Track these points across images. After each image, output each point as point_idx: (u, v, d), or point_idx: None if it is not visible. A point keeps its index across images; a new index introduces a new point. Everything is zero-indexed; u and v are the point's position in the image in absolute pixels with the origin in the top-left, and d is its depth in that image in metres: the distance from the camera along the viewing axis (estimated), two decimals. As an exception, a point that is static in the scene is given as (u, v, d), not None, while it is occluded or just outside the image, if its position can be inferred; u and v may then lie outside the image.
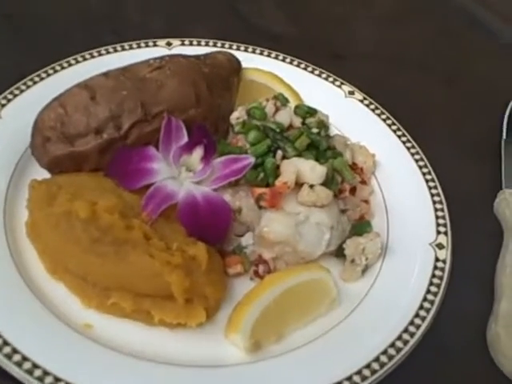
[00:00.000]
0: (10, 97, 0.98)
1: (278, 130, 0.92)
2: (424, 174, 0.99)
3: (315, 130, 0.95)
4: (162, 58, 0.94)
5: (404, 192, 0.97)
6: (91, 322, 0.78)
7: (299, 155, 0.89)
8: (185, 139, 0.88)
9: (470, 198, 1.01)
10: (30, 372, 0.70)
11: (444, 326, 0.85)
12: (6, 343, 0.72)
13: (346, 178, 0.91)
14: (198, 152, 0.87)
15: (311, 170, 0.86)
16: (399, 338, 0.79)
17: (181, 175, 0.86)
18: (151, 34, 1.14)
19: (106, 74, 0.90)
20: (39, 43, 1.13)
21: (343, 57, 1.25)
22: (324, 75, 1.12)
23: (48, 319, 0.77)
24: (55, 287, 0.81)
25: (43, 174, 0.89)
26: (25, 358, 0.71)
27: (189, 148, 0.87)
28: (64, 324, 0.77)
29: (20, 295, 0.79)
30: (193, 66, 0.94)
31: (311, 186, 0.85)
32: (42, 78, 1.02)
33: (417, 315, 0.82)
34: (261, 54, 1.14)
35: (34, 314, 0.77)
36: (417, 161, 1.00)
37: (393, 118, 1.06)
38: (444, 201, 0.95)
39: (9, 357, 0.71)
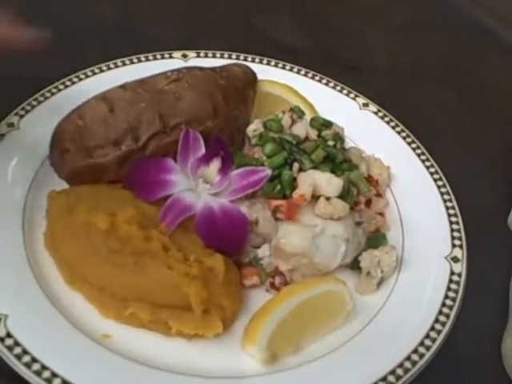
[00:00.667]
0: (28, 108, 0.99)
1: (294, 143, 0.93)
2: (439, 187, 0.99)
3: (331, 143, 0.95)
4: (179, 70, 0.95)
5: (419, 205, 0.97)
6: (109, 333, 0.78)
7: (316, 167, 0.89)
8: (202, 151, 0.88)
9: (484, 211, 1.02)
10: (49, 381, 0.70)
11: (459, 340, 0.85)
12: (25, 352, 0.72)
13: (362, 190, 0.92)
14: (216, 164, 0.87)
15: (328, 182, 0.87)
16: (415, 351, 0.79)
17: (198, 187, 0.87)
18: (166, 47, 1.15)
19: (123, 87, 0.91)
20: (53, 56, 1.13)
21: (358, 69, 1.26)
22: (338, 87, 1.13)
23: (66, 329, 0.77)
24: (73, 298, 0.81)
25: (62, 186, 0.90)
26: (44, 367, 0.71)
27: (206, 160, 0.88)
28: (82, 334, 0.77)
29: (38, 305, 0.79)
30: (209, 79, 0.95)
31: (328, 199, 0.86)
32: (59, 90, 1.03)
33: (432, 329, 0.82)
34: (275, 66, 1.15)
35: (52, 323, 0.78)
36: (432, 174, 1.01)
37: (407, 131, 1.07)
38: (459, 214, 0.95)
39: (28, 366, 0.71)
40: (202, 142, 0.89)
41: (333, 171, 0.90)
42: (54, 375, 0.71)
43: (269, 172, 0.87)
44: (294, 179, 0.88)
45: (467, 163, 1.10)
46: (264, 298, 0.84)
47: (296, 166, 0.89)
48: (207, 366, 0.78)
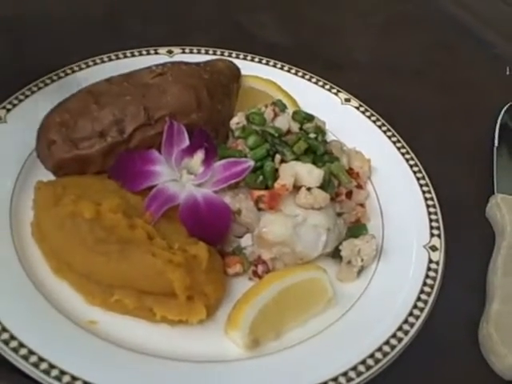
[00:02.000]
0: (15, 102, 1.01)
1: (276, 135, 0.95)
2: (418, 179, 1.01)
3: (313, 135, 0.97)
4: (163, 64, 0.97)
5: (399, 196, 1.00)
6: (95, 319, 0.80)
7: (297, 159, 0.92)
8: (186, 143, 0.90)
9: (463, 203, 1.04)
10: (36, 365, 0.72)
11: (437, 326, 0.87)
12: (13, 338, 0.74)
13: (343, 181, 0.94)
14: (199, 155, 0.89)
15: (309, 173, 0.89)
16: (393, 335, 0.81)
17: (182, 178, 0.89)
18: (152, 43, 1.17)
19: (109, 80, 0.93)
20: (41, 52, 1.15)
21: (340, 66, 1.27)
22: (321, 83, 1.15)
23: (53, 315, 0.79)
24: (60, 286, 0.83)
25: (48, 177, 0.91)
26: (31, 352, 0.73)
27: (190, 151, 0.90)
28: (69, 320, 0.79)
29: (26, 293, 0.81)
30: (194, 73, 0.97)
31: (309, 189, 0.88)
32: (46, 84, 1.05)
33: (411, 314, 0.84)
34: (259, 62, 1.17)
35: (39, 311, 0.79)
36: (411, 166, 1.03)
37: (388, 125, 1.09)
38: (437, 204, 0.98)
39: (16, 351, 0.73)
40: (186, 134, 0.91)
41: (314, 163, 0.92)
42: (41, 359, 0.73)
43: (251, 163, 0.89)
44: (276, 170, 0.90)
45: (447, 157, 1.12)
46: (247, 286, 0.86)
47: (278, 157, 0.91)
48: (191, 350, 0.79)
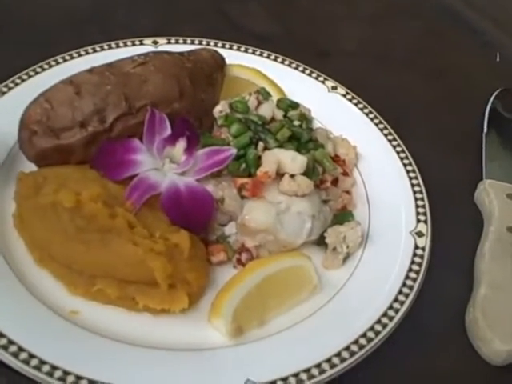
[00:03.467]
0: (-2, 94, 1.00)
1: (259, 123, 0.94)
2: (405, 166, 1.01)
3: (297, 123, 0.97)
4: (146, 54, 0.96)
5: (385, 183, 0.99)
6: (77, 309, 0.80)
7: (280, 146, 0.91)
8: (168, 131, 0.90)
9: (452, 189, 1.04)
10: (15, 355, 0.72)
11: (424, 312, 0.87)
12: (-8, 328, 0.74)
13: (327, 168, 0.93)
14: (181, 144, 0.89)
15: (292, 160, 0.88)
16: (378, 321, 0.81)
17: (164, 166, 0.88)
18: (138, 34, 1.17)
19: (90, 70, 0.92)
20: (26, 43, 1.15)
21: (328, 54, 1.27)
22: (307, 71, 1.15)
23: (35, 306, 0.79)
24: (42, 276, 0.82)
25: (31, 168, 0.91)
26: (11, 342, 0.73)
27: (172, 140, 0.89)
28: (50, 310, 0.79)
29: (7, 284, 0.81)
30: (176, 62, 0.96)
31: (292, 176, 0.87)
32: (29, 76, 1.04)
33: (396, 300, 0.83)
34: (245, 51, 1.17)
35: (21, 301, 0.79)
36: (398, 153, 1.03)
37: (375, 112, 1.08)
38: (424, 190, 0.97)
39: (-5, 341, 0.73)
40: (167, 123, 0.90)
41: (298, 150, 0.92)
42: (21, 349, 0.73)
43: (234, 151, 0.89)
44: (259, 158, 0.89)
45: (435, 144, 1.11)
46: (231, 274, 0.86)
47: (261, 145, 0.91)
48: (174, 339, 0.79)
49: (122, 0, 1.33)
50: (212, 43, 1.16)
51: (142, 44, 1.14)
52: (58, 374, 0.71)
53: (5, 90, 1.01)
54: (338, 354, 0.77)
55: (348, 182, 0.98)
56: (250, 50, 1.17)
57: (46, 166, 0.89)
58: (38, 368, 0.71)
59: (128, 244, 0.78)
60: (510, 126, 1.14)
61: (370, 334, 0.79)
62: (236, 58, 1.13)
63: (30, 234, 0.84)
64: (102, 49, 1.12)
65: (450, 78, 1.26)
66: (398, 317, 0.82)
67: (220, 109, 0.97)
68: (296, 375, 0.75)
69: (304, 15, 1.37)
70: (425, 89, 1.23)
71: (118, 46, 1.13)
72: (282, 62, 1.16)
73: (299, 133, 0.94)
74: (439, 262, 0.91)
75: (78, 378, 0.71)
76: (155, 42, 1.15)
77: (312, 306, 0.84)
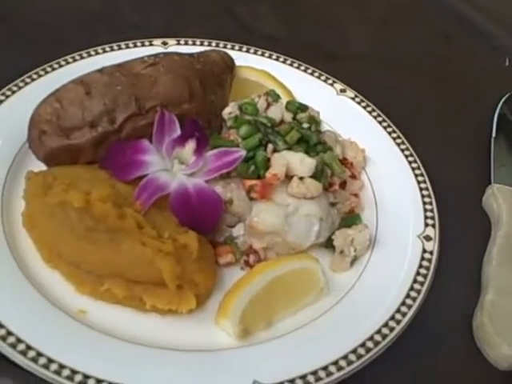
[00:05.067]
0: (8, 93, 1.01)
1: (269, 125, 0.94)
2: (413, 169, 1.01)
3: (306, 125, 0.97)
4: (156, 55, 0.97)
5: (393, 186, 0.99)
6: (85, 308, 0.80)
7: (289, 149, 0.91)
8: (178, 132, 0.90)
9: (460, 194, 1.03)
10: (23, 353, 0.72)
11: (432, 316, 0.87)
12: (1, 326, 0.74)
13: (336, 171, 0.93)
14: (191, 145, 0.89)
15: (301, 162, 0.88)
16: (385, 325, 0.81)
17: (173, 167, 0.88)
18: (147, 35, 1.17)
19: (100, 71, 0.93)
20: (36, 43, 1.16)
21: (336, 57, 1.27)
22: (316, 74, 1.15)
23: (43, 305, 0.79)
24: (50, 275, 0.83)
25: (40, 167, 0.91)
26: (19, 340, 0.73)
27: (181, 141, 0.89)
28: (58, 309, 0.79)
29: (16, 283, 0.81)
30: (186, 63, 0.96)
31: (301, 178, 0.87)
32: (39, 75, 1.05)
33: (403, 304, 0.83)
34: (255, 53, 1.17)
35: (29, 300, 0.79)
36: (407, 156, 1.03)
37: (383, 115, 1.08)
38: (432, 195, 0.97)
39: (3, 339, 0.73)
40: (177, 124, 0.90)
41: (307, 152, 0.92)
42: (29, 348, 0.73)
43: (243, 153, 0.89)
44: (268, 160, 0.89)
45: (443, 148, 1.11)
46: (239, 275, 0.86)
47: (270, 147, 0.91)
48: (181, 340, 0.79)
49: (131, 1, 1.33)
50: (221, 45, 1.17)
51: (151, 45, 1.14)
52: (65, 372, 0.71)
53: (15, 89, 1.01)
54: (345, 357, 0.77)
55: (356, 184, 0.98)
56: (259, 52, 1.17)
57: (56, 166, 0.90)
58: (46, 367, 0.72)
59: (136, 244, 0.78)
60: (518, 131, 1.14)
61: (377, 337, 0.79)
62: (245, 59, 1.13)
63: (39, 234, 0.84)
64: (112, 49, 1.12)
65: (459, 82, 1.26)
66: (405, 320, 0.82)
67: (229, 110, 0.97)
68: (303, 377, 0.75)
69: (313, 17, 1.37)
70: (433, 93, 1.23)
71: (127, 47, 1.13)
72: (291, 65, 1.16)
73: (308, 135, 0.94)
74: (447, 266, 0.91)
75: (86, 376, 0.71)
76: (165, 43, 1.15)
77: (319, 309, 0.84)
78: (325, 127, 1.06)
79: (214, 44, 1.17)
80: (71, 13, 1.27)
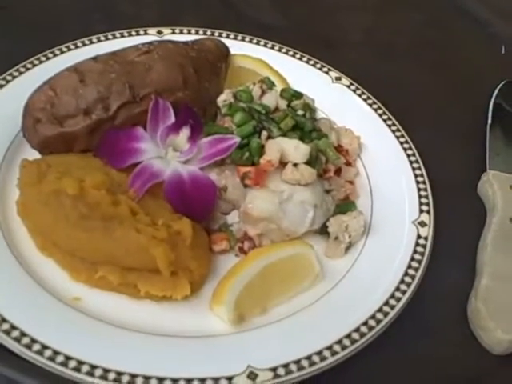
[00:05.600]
0: (2, 82, 1.01)
1: (263, 112, 0.94)
2: (408, 156, 1.01)
3: (300, 112, 0.97)
4: (150, 43, 0.97)
5: (388, 173, 0.99)
6: (80, 296, 0.80)
7: (284, 135, 0.91)
8: (172, 120, 0.90)
9: (455, 180, 1.04)
10: (18, 340, 0.72)
11: (426, 301, 0.87)
12: (-5, 313, 0.74)
13: (330, 158, 0.93)
14: (185, 132, 0.89)
15: (295, 149, 0.88)
16: (380, 310, 0.81)
17: (168, 155, 0.88)
18: (142, 24, 1.17)
19: (95, 58, 0.93)
20: (32, 33, 1.16)
21: (332, 45, 1.27)
22: (311, 62, 1.15)
23: (38, 292, 0.79)
24: (45, 263, 0.83)
25: (35, 156, 0.91)
26: (13, 327, 0.73)
27: (176, 128, 0.89)
28: (53, 297, 0.79)
29: (11, 271, 0.81)
30: (180, 51, 0.96)
31: (295, 165, 0.87)
32: (34, 65, 1.05)
33: (398, 289, 0.84)
34: (250, 41, 1.17)
35: (24, 288, 0.80)
36: (402, 143, 1.03)
37: (379, 103, 1.09)
38: (427, 181, 0.97)
39: (-2, 325, 0.73)
40: (171, 111, 0.90)
41: (301, 139, 0.92)
42: (24, 335, 0.73)
43: (237, 140, 0.89)
44: (263, 146, 0.89)
45: (439, 135, 1.11)
46: (233, 262, 0.86)
47: (264, 134, 0.91)
48: (176, 326, 0.80)
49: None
50: (216, 33, 1.17)
51: (146, 34, 1.14)
52: (59, 359, 0.72)
53: (9, 78, 1.01)
54: (340, 342, 0.77)
55: (351, 172, 0.98)
56: (255, 41, 1.17)
57: (50, 154, 0.90)
58: (40, 353, 0.72)
59: (131, 231, 0.78)
60: (514, 118, 1.14)
61: (372, 323, 0.80)
62: (240, 48, 1.13)
63: (34, 222, 0.84)
64: (107, 38, 1.12)
65: (455, 69, 1.26)
66: (399, 306, 0.82)
67: (224, 98, 0.97)
68: (297, 362, 0.75)
69: (308, 5, 1.37)
70: (429, 80, 1.23)
71: (122, 36, 1.13)
72: (286, 53, 1.16)
73: (302, 122, 0.94)
74: (442, 252, 0.91)
75: (80, 363, 0.72)
76: (160, 32, 1.15)
77: (314, 295, 0.84)
78: (320, 115, 1.06)
79: (209, 33, 1.17)
80: (67, 2, 1.26)
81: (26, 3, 1.25)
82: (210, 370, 0.74)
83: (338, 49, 1.27)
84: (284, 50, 1.16)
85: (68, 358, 0.72)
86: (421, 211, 0.93)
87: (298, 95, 1.00)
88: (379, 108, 1.08)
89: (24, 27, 1.19)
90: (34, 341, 0.73)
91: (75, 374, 0.71)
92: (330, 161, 0.93)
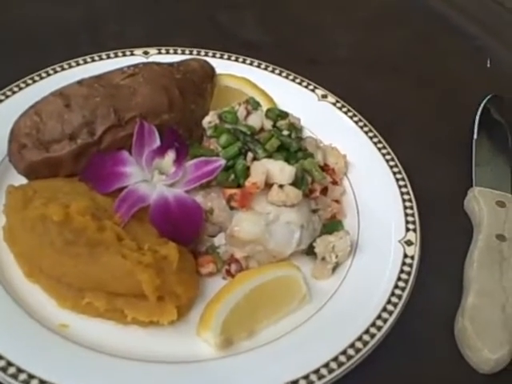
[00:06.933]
0: (-12, 107, 1.01)
1: (248, 133, 0.94)
2: (394, 174, 1.01)
3: (286, 133, 0.97)
4: (135, 65, 0.97)
5: (375, 192, 0.99)
6: (66, 322, 0.80)
7: (269, 157, 0.91)
8: (157, 143, 0.90)
9: (442, 197, 1.03)
10: (3, 369, 0.72)
11: (414, 320, 0.87)
12: (-19, 342, 0.74)
13: (316, 177, 0.93)
14: (170, 155, 0.89)
15: (280, 170, 0.88)
16: (366, 331, 0.81)
17: (154, 178, 0.88)
18: (129, 45, 1.17)
19: (80, 82, 0.93)
20: (17, 55, 1.16)
21: (318, 62, 1.27)
22: (298, 80, 1.15)
23: (24, 319, 0.79)
24: (31, 289, 0.83)
25: (22, 181, 0.91)
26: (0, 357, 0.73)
27: (161, 151, 0.89)
28: (40, 324, 0.79)
29: (-3, 298, 0.81)
30: (165, 73, 0.96)
31: (281, 186, 0.88)
32: (20, 88, 1.05)
33: (384, 310, 0.84)
34: (236, 60, 1.17)
35: (10, 315, 0.79)
36: (388, 161, 1.03)
37: (365, 120, 1.09)
38: (413, 199, 0.97)
39: (-16, 355, 0.73)
40: (156, 135, 0.90)
41: (287, 160, 0.92)
42: (10, 364, 0.73)
43: (222, 162, 0.89)
44: (248, 168, 0.89)
45: (425, 151, 1.11)
46: (220, 285, 0.86)
47: (250, 155, 0.91)
48: (163, 352, 0.79)
49: (113, 10, 1.33)
50: (202, 53, 1.17)
51: (132, 55, 1.15)
52: (47, 388, 0.71)
53: (-5, 102, 1.01)
54: (327, 365, 0.77)
55: (337, 190, 0.99)
56: (240, 59, 1.17)
57: (36, 179, 0.90)
58: (26, 382, 0.72)
59: (116, 257, 0.79)
60: (500, 133, 1.14)
61: (359, 344, 0.80)
62: (226, 67, 1.13)
63: (20, 248, 0.84)
64: (93, 60, 1.12)
65: (441, 84, 1.26)
66: (386, 326, 0.82)
67: (209, 119, 0.97)
68: (284, 386, 0.75)
69: (294, 23, 1.37)
70: (415, 95, 1.23)
71: (108, 57, 1.13)
72: (272, 71, 1.16)
73: (288, 143, 0.95)
74: (428, 270, 0.91)
75: (68, 391, 0.71)
76: (146, 53, 1.15)
77: (301, 317, 0.84)
78: (306, 133, 1.06)
79: (195, 52, 1.17)
80: (52, 23, 1.27)
81: (9, 25, 1.25)
82: (197, 395, 0.74)
83: (324, 66, 1.27)
84: (270, 69, 1.17)
85: (56, 387, 0.72)
86: (407, 230, 0.93)
87: (284, 115, 1.00)
88: (365, 125, 1.08)
89: (8, 49, 1.19)
90: (20, 370, 0.72)
91: (63, 403, 0.71)
92: (316, 180, 0.94)
